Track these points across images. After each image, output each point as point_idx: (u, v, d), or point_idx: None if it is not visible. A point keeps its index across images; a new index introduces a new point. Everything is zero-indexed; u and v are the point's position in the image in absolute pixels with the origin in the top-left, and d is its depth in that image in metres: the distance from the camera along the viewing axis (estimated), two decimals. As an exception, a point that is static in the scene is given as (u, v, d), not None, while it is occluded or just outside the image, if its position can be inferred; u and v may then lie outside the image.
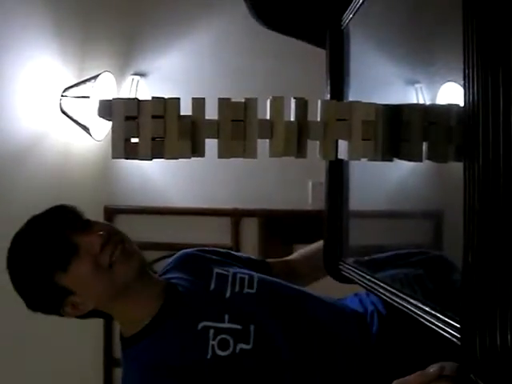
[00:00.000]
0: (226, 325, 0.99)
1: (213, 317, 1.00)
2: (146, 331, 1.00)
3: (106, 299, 1.02)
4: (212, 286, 1.06)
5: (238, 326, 0.99)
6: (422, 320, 0.69)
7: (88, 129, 2.08)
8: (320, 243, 1.18)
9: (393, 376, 0.73)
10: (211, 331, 0.98)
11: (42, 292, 1.02)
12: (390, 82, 0.88)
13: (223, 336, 0.97)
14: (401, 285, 0.81)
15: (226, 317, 1.00)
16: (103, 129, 2.12)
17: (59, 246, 0.98)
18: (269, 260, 1.31)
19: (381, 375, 0.97)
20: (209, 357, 0.95)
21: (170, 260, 1.19)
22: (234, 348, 0.96)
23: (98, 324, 2.27)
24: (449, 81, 0.66)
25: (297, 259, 1.33)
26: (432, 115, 0.62)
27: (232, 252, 1.27)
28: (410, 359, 0.78)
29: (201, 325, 0.98)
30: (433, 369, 0.68)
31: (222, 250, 1.25)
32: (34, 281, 1.01)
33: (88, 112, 2.05)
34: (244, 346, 0.97)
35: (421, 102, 0.73)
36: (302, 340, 1.02)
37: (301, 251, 1.35)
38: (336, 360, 1.02)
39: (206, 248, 1.22)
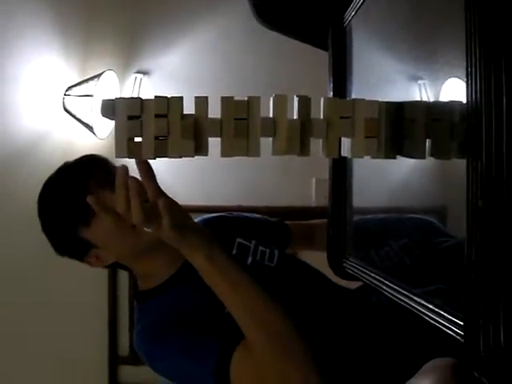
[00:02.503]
0: None
1: None
2: (164, 286, 1.01)
3: (128, 256, 1.03)
4: (234, 252, 1.06)
5: None
6: (426, 317, 0.69)
7: (91, 127, 2.08)
8: None
9: (392, 351, 0.73)
10: None
11: (67, 242, 1.03)
12: (393, 78, 0.87)
13: None
14: (404, 281, 0.81)
15: None
16: (106, 127, 2.12)
17: (83, 199, 0.95)
18: (289, 223, 1.30)
19: (381, 344, 0.99)
20: (227, 311, 0.95)
21: None
22: None
23: (102, 321, 2.28)
24: (452, 77, 0.66)
25: (318, 224, 1.31)
26: (435, 112, 0.62)
27: (254, 218, 1.25)
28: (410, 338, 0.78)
29: None
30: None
31: (244, 216, 1.24)
32: (59, 230, 1.03)
33: (91, 110, 2.06)
34: None
35: (424, 98, 0.73)
36: (314, 318, 1.03)
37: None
38: (345, 335, 1.04)
39: (229, 215, 1.22)
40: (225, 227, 1.17)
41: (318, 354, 0.92)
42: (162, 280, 1.02)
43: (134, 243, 1.01)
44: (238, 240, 1.11)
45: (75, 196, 0.98)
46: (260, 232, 1.22)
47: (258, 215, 1.30)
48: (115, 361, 2.31)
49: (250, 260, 1.07)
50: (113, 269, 1.10)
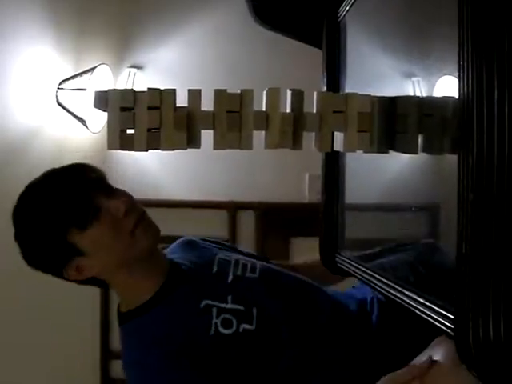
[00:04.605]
0: (229, 305, 0.98)
1: (215, 297, 0.99)
2: (147, 306, 0.99)
3: (114, 266, 1.00)
4: (214, 269, 1.05)
5: (241, 307, 0.99)
6: (417, 311, 0.69)
7: (84, 121, 2.07)
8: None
9: (392, 363, 0.73)
10: (214, 310, 0.97)
11: (50, 247, 0.98)
12: (387, 74, 0.88)
13: (226, 316, 0.97)
14: (396, 276, 0.81)
15: (229, 298, 1.00)
16: (100, 121, 2.12)
17: (82, 204, 0.95)
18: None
19: (380, 362, 0.97)
20: (211, 334, 0.95)
21: (172, 245, 1.19)
22: (237, 327, 0.96)
23: (94, 316, 2.28)
24: (446, 74, 0.66)
25: (300, 265, 1.31)
26: (427, 107, 0.62)
27: (234, 246, 1.27)
28: (410, 347, 0.78)
29: (203, 303, 0.98)
30: (423, 361, 0.68)
31: (224, 241, 1.25)
32: (44, 234, 0.97)
33: (84, 104, 2.05)
34: (247, 327, 0.97)
35: (417, 94, 0.74)
36: (302, 322, 1.02)
37: (305, 260, 1.33)
38: (336, 344, 1.03)
39: (208, 238, 1.22)
40: (204, 245, 1.17)
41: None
42: (144, 299, 1.00)
43: (126, 251, 0.98)
44: (219, 256, 1.09)
45: (74, 199, 0.95)
46: (240, 250, 1.22)
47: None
48: (107, 356, 2.31)
49: (230, 278, 1.04)
50: (88, 285, 1.05)
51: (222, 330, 0.96)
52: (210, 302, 0.98)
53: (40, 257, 1.01)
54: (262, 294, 1.02)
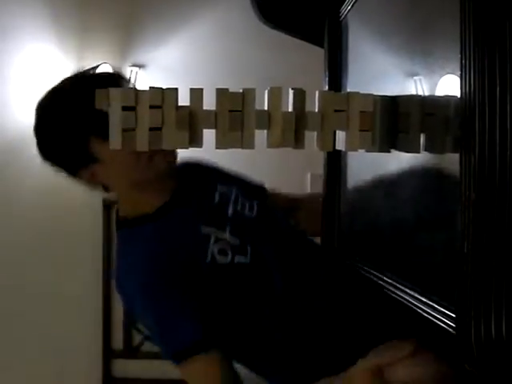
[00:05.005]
0: (227, 235, 0.99)
1: (215, 224, 0.99)
2: (151, 217, 0.99)
3: (126, 181, 1.00)
4: (216, 200, 1.05)
5: (237, 241, 0.99)
6: (419, 310, 0.69)
7: (86, 120, 2.07)
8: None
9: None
10: (212, 237, 0.97)
11: (70, 149, 0.97)
12: (389, 73, 0.88)
13: (223, 246, 0.97)
14: (397, 275, 0.81)
15: (228, 228, 1.00)
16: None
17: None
18: (269, 191, 1.27)
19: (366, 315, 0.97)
20: (208, 261, 0.95)
21: (179, 164, 1.16)
22: (232, 258, 0.97)
23: (96, 314, 2.28)
24: (448, 73, 0.66)
25: (303, 196, 1.28)
26: (430, 106, 0.62)
27: (232, 173, 1.24)
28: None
29: (203, 229, 0.98)
30: (408, 345, 0.69)
31: (223, 169, 1.22)
32: (66, 135, 0.96)
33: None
34: (242, 260, 0.97)
35: (419, 93, 0.73)
36: (293, 271, 1.02)
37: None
38: (325, 295, 1.02)
39: (208, 163, 1.19)
40: (206, 172, 1.15)
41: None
42: (151, 209, 0.99)
43: (142, 172, 0.98)
44: (220, 187, 1.09)
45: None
46: (239, 181, 1.20)
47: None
48: (109, 354, 2.31)
49: (230, 211, 1.04)
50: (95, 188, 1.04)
51: (218, 258, 0.96)
52: (209, 229, 0.99)
53: (58, 155, 1.00)
54: (257, 235, 1.02)
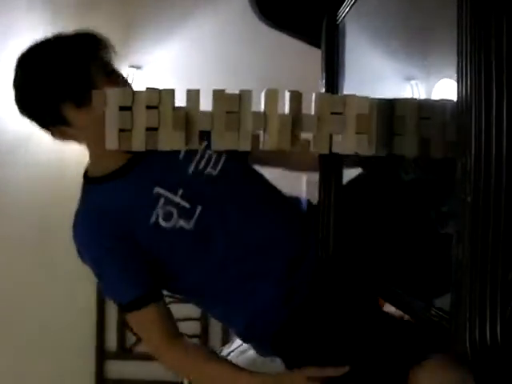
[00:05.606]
0: (177, 199, 1.00)
1: (169, 186, 1.00)
2: (109, 176, 1.01)
3: (94, 143, 0.99)
4: (181, 155, 1.03)
5: (187, 205, 0.99)
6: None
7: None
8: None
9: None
10: (162, 200, 0.99)
11: (43, 108, 0.98)
12: (386, 76, 0.88)
13: (170, 208, 0.99)
14: (392, 277, 0.81)
15: (180, 191, 1.00)
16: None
17: (83, 80, 0.92)
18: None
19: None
20: (151, 223, 0.97)
21: None
22: (175, 223, 0.99)
23: (90, 316, 2.27)
24: (444, 77, 0.66)
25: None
26: (426, 110, 0.62)
27: None
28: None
29: (156, 190, 0.99)
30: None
31: None
32: (40, 96, 0.97)
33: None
34: (184, 225, 0.99)
35: (416, 97, 0.74)
36: (239, 242, 1.01)
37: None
38: (270, 269, 1.00)
39: None
40: None
41: None
42: (109, 171, 1.01)
43: None
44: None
45: (74, 74, 0.93)
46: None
47: None
48: (103, 356, 2.31)
49: (192, 168, 1.02)
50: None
51: (161, 221, 0.98)
52: (161, 190, 1.00)
53: (31, 111, 1.02)
54: (211, 195, 1.02)
